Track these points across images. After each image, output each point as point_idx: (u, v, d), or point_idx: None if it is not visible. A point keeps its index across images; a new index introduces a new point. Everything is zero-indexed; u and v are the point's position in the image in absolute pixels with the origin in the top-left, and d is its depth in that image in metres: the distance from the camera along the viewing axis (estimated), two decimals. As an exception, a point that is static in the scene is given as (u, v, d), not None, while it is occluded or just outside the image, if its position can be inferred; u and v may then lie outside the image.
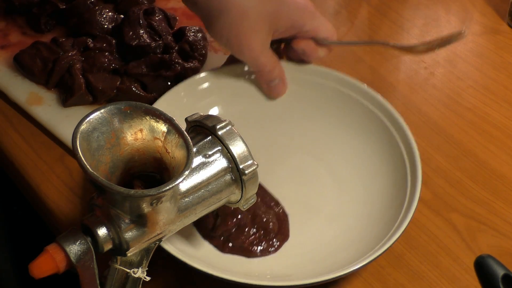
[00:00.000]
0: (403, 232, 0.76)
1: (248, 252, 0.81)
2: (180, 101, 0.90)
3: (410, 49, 0.92)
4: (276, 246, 0.81)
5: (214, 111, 0.92)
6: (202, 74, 0.93)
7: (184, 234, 0.80)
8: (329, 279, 0.73)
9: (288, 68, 0.92)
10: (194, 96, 0.91)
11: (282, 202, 0.85)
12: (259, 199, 0.83)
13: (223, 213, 0.81)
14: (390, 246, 0.75)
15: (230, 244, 0.81)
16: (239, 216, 0.81)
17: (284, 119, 0.93)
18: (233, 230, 0.81)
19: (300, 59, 0.93)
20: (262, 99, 0.93)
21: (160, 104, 0.87)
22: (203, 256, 0.78)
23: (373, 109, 0.89)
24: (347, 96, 0.91)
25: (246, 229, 0.81)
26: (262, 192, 0.85)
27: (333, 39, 0.91)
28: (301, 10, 0.89)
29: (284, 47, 0.94)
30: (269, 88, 0.92)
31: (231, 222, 0.81)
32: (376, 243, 0.76)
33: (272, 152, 0.90)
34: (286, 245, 0.82)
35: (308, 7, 0.89)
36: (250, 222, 0.82)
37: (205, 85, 0.92)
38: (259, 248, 0.81)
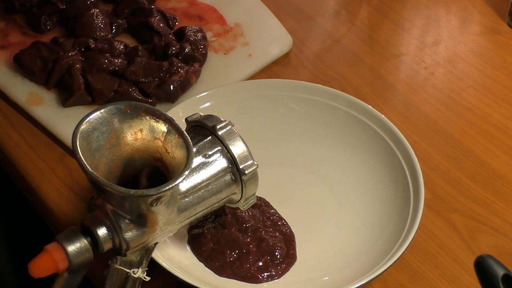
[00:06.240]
0: (404, 252, 0.76)
1: (252, 279, 0.77)
2: (178, 122, 0.88)
3: None
4: (283, 270, 0.78)
5: None
6: (203, 94, 0.91)
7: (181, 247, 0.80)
8: None
9: (290, 86, 0.92)
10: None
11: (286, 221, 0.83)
12: (266, 219, 0.82)
13: (223, 241, 0.78)
14: (390, 267, 0.75)
15: (230, 271, 0.77)
16: (241, 247, 0.78)
17: (286, 138, 0.92)
18: (233, 259, 0.78)
19: None
20: (265, 118, 0.92)
21: None
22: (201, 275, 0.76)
23: (378, 130, 0.88)
24: (352, 117, 0.90)
25: (251, 257, 0.77)
26: (269, 210, 0.83)
27: None
28: None
29: None
30: None
31: (229, 255, 0.78)
32: (377, 262, 0.76)
33: (275, 171, 0.89)
34: (293, 266, 0.80)
35: None
36: (255, 248, 0.78)
37: (206, 104, 0.90)
38: (265, 274, 0.77)
